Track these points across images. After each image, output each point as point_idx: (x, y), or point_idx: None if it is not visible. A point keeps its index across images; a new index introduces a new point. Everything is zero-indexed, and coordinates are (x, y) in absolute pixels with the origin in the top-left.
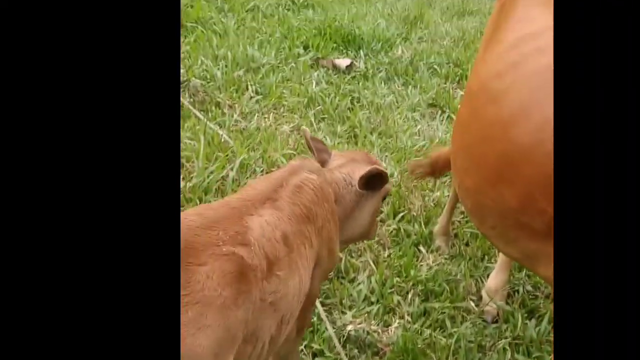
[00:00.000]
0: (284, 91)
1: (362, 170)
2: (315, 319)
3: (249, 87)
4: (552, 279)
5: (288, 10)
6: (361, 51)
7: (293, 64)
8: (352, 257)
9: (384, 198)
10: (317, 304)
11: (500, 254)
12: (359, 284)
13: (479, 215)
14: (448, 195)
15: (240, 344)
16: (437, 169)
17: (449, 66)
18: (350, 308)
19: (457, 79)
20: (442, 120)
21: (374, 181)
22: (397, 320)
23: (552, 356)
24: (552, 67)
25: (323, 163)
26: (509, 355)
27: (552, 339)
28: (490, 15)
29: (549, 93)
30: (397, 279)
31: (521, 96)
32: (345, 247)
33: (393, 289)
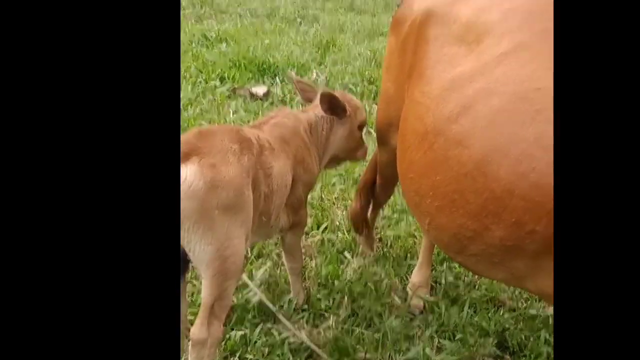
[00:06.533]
0: (202, 122)
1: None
2: (248, 331)
3: None
4: (544, 291)
5: (202, 46)
6: (277, 78)
7: (210, 96)
8: (280, 270)
9: (361, 127)
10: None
11: (422, 250)
12: (289, 293)
13: (458, 246)
14: None
15: (251, 191)
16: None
17: (364, 84)
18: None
19: (372, 95)
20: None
21: (333, 105)
22: (328, 324)
23: (474, 337)
24: (507, 107)
25: (310, 100)
26: (436, 341)
27: (474, 322)
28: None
29: (517, 129)
30: (325, 285)
31: (490, 136)
32: (338, 165)
33: (321, 296)
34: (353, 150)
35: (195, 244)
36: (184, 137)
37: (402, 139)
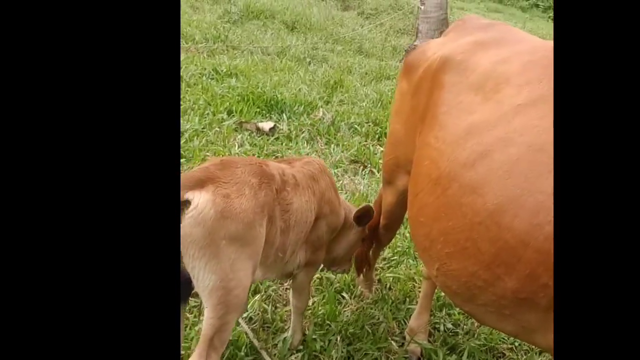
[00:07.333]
0: (207, 154)
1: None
2: None
3: None
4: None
5: (212, 79)
6: (284, 114)
7: (217, 129)
8: (277, 307)
9: (364, 241)
10: (243, 355)
11: (421, 296)
12: (284, 331)
13: (467, 295)
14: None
15: (265, 226)
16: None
17: (369, 125)
18: (275, 356)
19: (377, 136)
20: (364, 175)
21: (363, 217)
22: None
23: None
24: (524, 157)
25: None
26: None
27: None
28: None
29: (534, 180)
30: (321, 325)
31: (506, 186)
32: (328, 264)
33: (316, 336)
34: (345, 258)
35: (199, 270)
36: (205, 165)
37: (413, 182)
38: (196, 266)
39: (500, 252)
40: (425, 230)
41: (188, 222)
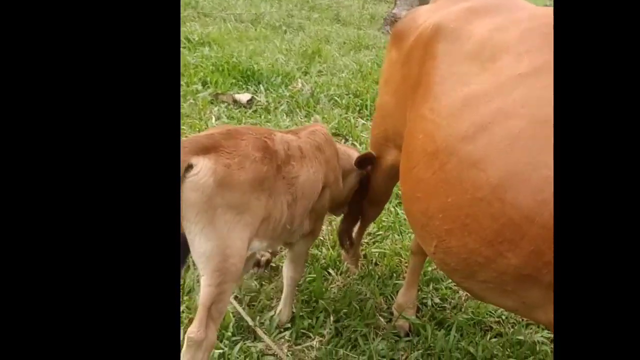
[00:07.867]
0: (184, 127)
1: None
2: (226, 349)
3: None
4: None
5: (183, 48)
6: (261, 85)
7: (192, 100)
8: (263, 284)
9: (361, 182)
10: (230, 335)
11: (409, 271)
12: (271, 309)
13: (467, 272)
14: None
15: (264, 200)
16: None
17: (349, 97)
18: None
19: (358, 108)
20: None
21: (364, 162)
22: (311, 343)
23: None
24: (526, 130)
25: None
26: None
27: (460, 346)
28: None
29: (537, 154)
30: (308, 302)
31: (509, 161)
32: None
33: (304, 314)
34: (345, 202)
35: (195, 235)
36: (211, 131)
37: (407, 156)
38: (192, 231)
39: (504, 228)
40: (421, 206)
41: (188, 186)
